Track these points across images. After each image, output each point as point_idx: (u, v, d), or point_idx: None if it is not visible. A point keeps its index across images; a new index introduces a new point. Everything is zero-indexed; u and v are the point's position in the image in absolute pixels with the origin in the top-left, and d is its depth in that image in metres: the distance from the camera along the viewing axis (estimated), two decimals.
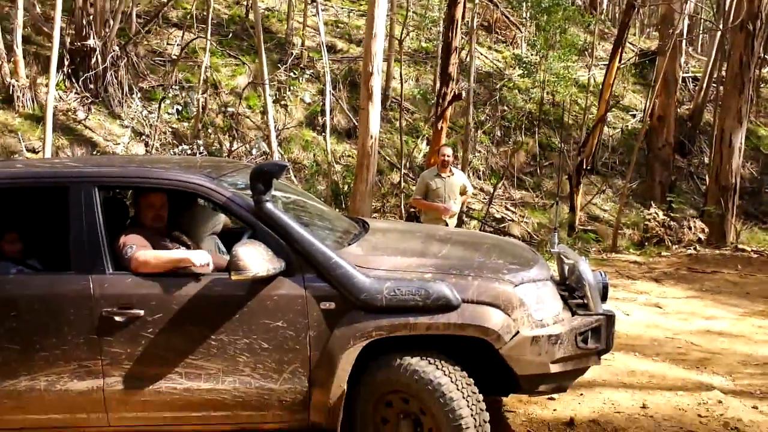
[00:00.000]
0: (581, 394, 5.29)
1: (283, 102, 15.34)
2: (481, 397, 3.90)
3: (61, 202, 3.98)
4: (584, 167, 14.64)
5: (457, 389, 3.79)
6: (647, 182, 15.69)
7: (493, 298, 3.84)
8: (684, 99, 19.79)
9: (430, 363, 3.83)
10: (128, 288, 3.79)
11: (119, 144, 12.82)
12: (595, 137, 15.11)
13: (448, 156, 8.43)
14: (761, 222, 16.20)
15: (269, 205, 3.84)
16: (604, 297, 4.53)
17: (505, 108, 17.91)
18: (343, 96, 16.38)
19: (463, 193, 8.60)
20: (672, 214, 13.33)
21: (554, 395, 5.12)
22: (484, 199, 15.12)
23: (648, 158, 15.96)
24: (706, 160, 16.86)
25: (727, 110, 13.64)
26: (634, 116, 19.07)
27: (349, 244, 4.26)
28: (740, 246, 12.91)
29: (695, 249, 12.47)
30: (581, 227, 14.28)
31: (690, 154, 18.15)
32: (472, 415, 3.79)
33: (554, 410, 5.07)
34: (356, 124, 14.29)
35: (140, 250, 3.88)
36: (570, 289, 4.63)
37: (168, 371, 3.82)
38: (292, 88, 15.73)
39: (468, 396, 3.81)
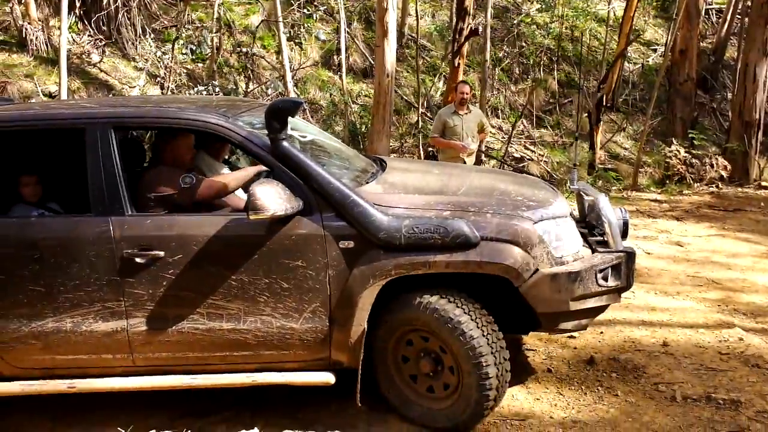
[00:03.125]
0: (601, 332, 5.29)
1: (297, 41, 15.10)
2: (501, 335, 3.92)
3: (79, 145, 3.96)
4: (604, 104, 14.39)
5: (477, 327, 3.80)
6: (668, 119, 15.38)
7: (512, 235, 3.82)
8: (707, 32, 19.26)
9: (450, 301, 3.84)
10: (148, 229, 3.81)
11: (135, 87, 12.72)
12: (615, 73, 14.79)
13: (465, 93, 8.31)
14: None
15: (285, 144, 3.81)
16: (624, 234, 4.51)
17: (524, 44, 17.54)
18: (358, 34, 16.10)
19: (481, 130, 8.51)
20: (694, 152, 13.11)
21: (574, 333, 5.13)
22: (503, 138, 14.95)
23: (669, 94, 15.63)
24: (729, 95, 16.47)
25: (751, 42, 13.27)
26: (655, 51, 18.61)
27: (367, 183, 4.23)
28: (764, 183, 12.73)
29: (717, 187, 12.32)
30: (601, 166, 14.10)
31: (713, 90, 17.74)
32: (492, 352, 3.81)
33: (574, 348, 5.08)
34: (372, 62, 14.08)
35: (203, 179, 4.03)
36: (590, 226, 4.61)
37: (190, 312, 3.85)
38: (306, 26, 15.46)
39: (488, 334, 3.82)
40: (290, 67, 13.82)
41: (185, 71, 13.63)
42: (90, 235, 3.79)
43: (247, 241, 3.79)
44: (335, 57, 15.31)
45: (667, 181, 12.71)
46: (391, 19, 9.87)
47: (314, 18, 15.77)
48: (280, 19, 13.41)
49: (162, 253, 3.77)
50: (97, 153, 3.86)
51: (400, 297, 3.94)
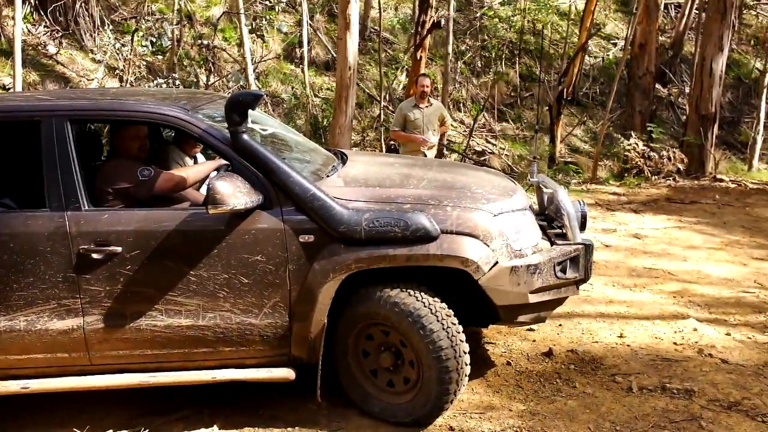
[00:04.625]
0: (560, 325, 5.35)
1: (259, 33, 15.00)
2: (460, 328, 3.93)
3: (33, 138, 3.88)
4: (565, 98, 14.56)
5: (437, 321, 3.81)
6: (628, 112, 15.60)
7: (471, 228, 3.83)
8: (666, 27, 19.58)
9: (410, 295, 3.85)
10: (105, 224, 3.74)
11: (93, 79, 12.52)
12: (575, 66, 14.96)
13: (426, 86, 8.32)
14: (740, 152, 16.27)
15: (245, 137, 3.77)
16: (582, 226, 4.54)
17: (486, 37, 17.65)
18: (321, 27, 16.05)
19: (442, 123, 8.52)
20: (652, 145, 13.31)
21: (533, 326, 5.19)
22: (465, 131, 15.02)
23: (629, 88, 15.84)
24: (687, 89, 16.77)
25: (708, 37, 13.49)
26: (615, 45, 18.88)
27: (328, 176, 4.22)
28: (718, 176, 12.97)
29: (674, 179, 12.52)
30: (561, 159, 14.28)
31: (671, 84, 18.06)
32: (452, 346, 3.82)
33: (533, 341, 5.13)
34: (335, 55, 14.03)
35: (161, 172, 3.96)
36: (549, 218, 4.65)
37: (148, 308, 3.80)
38: (268, 18, 15.36)
39: (448, 327, 3.83)
40: (252, 60, 13.72)
41: (145, 63, 13.46)
42: (45, 231, 3.71)
43: (206, 236, 3.75)
44: (297, 50, 15.25)
45: (626, 174, 12.89)
46: (354, 11, 9.83)
47: (276, 10, 15.67)
48: (242, 11, 13.30)
49: (119, 249, 3.71)
50: (52, 146, 3.77)
51: (361, 291, 3.93)
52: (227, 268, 3.76)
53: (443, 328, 3.81)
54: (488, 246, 3.84)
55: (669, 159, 12.71)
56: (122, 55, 12.99)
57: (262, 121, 4.79)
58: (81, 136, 4.17)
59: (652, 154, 12.79)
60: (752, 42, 19.97)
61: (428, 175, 4.53)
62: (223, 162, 4.13)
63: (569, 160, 14.60)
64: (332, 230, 3.74)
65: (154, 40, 13.83)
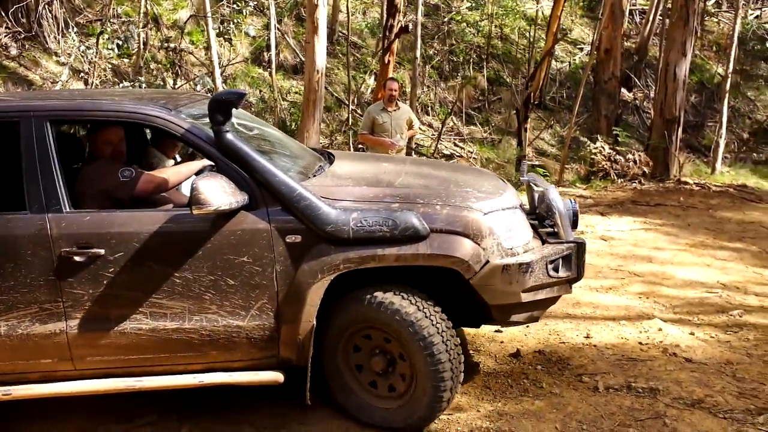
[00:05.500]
0: (527, 326, 5.38)
1: (227, 37, 14.92)
2: (454, 331, 3.89)
3: (12, 139, 3.80)
4: (532, 101, 14.67)
5: (432, 324, 3.76)
6: (594, 116, 15.79)
7: (462, 226, 3.78)
8: (631, 32, 19.84)
9: (403, 298, 3.80)
10: (87, 226, 3.66)
11: (57, 82, 12.34)
12: (542, 71, 15.10)
13: (394, 90, 8.34)
14: (703, 155, 16.53)
15: (229, 136, 3.71)
16: (574, 225, 4.52)
17: (454, 42, 17.74)
18: (289, 30, 16.01)
19: (410, 127, 8.54)
20: (618, 148, 13.48)
21: (501, 328, 5.21)
22: (433, 135, 15.07)
23: (594, 92, 16.04)
24: (652, 93, 17.00)
25: (672, 42, 13.70)
26: (581, 50, 19.08)
27: (314, 176, 4.16)
28: (683, 179, 13.16)
29: (640, 182, 12.67)
30: (529, 162, 14.37)
31: (636, 88, 18.30)
32: (447, 350, 3.77)
33: (501, 342, 5.15)
34: (303, 59, 14.00)
35: (142, 173, 3.89)
36: (540, 217, 4.61)
37: (132, 312, 3.72)
38: (236, 21, 15.28)
39: (442, 331, 3.79)
40: (219, 64, 13.63)
41: (110, 67, 13.31)
42: (26, 234, 3.62)
43: (191, 237, 3.68)
44: (265, 53, 15.19)
45: (592, 177, 13.04)
46: (322, 15, 9.83)
47: (244, 13, 15.61)
48: (209, 14, 13.21)
49: (102, 251, 3.63)
50: (32, 147, 3.69)
51: (350, 293, 3.88)
52: (213, 270, 3.70)
53: (438, 332, 3.77)
54: (479, 245, 3.80)
55: (635, 162, 12.87)
56: (87, 58, 12.83)
57: (246, 121, 4.73)
58: (61, 138, 4.08)
59: (618, 157, 12.95)
60: (714, 48, 20.31)
61: (417, 174, 4.51)
62: (207, 163, 4.06)
63: (536, 163, 14.71)
64: (320, 230, 3.68)
65: (120, 43, 13.69)
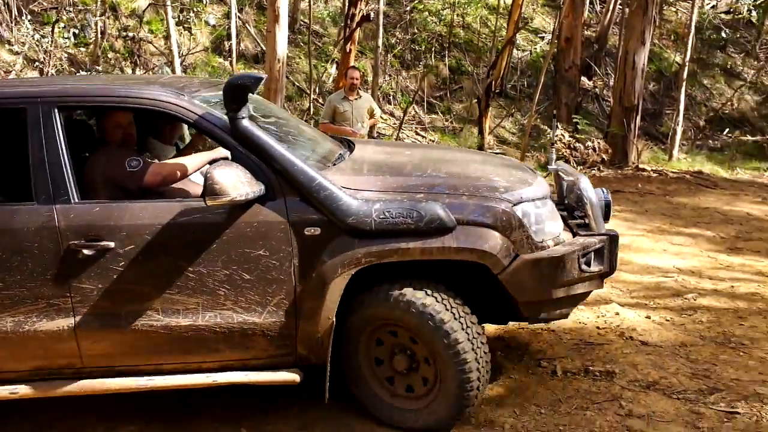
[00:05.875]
0: None
1: (186, 26, 14.73)
2: (481, 329, 3.76)
3: (19, 126, 3.64)
4: (493, 90, 14.75)
5: (459, 323, 3.62)
6: (554, 104, 15.92)
7: (490, 218, 3.59)
8: (591, 21, 20.02)
9: (427, 294, 3.63)
10: (96, 218, 3.49)
11: (11, 71, 12.09)
12: (503, 59, 15.19)
13: (355, 78, 8.33)
14: (661, 142, 16.78)
15: (245, 123, 3.53)
16: (606, 216, 4.36)
17: (416, 31, 17.74)
18: (249, 19, 15.85)
19: (371, 116, 8.54)
20: (578, 136, 13.62)
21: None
22: (395, 123, 15.08)
23: (555, 80, 16.17)
24: (611, 82, 17.19)
25: (631, 31, 13.88)
26: (542, 38, 19.19)
27: (335, 164, 3.97)
28: (641, 166, 13.37)
29: (599, 169, 12.85)
30: (490, 150, 14.46)
31: (596, 76, 18.49)
32: (473, 349, 3.64)
33: None
34: (264, 48, 13.90)
35: (151, 163, 3.74)
36: (569, 208, 4.42)
37: (143, 307, 3.56)
38: (195, 10, 15.10)
39: (467, 328, 3.64)
40: (179, 53, 13.48)
41: (66, 56, 13.06)
42: (32, 225, 3.46)
43: (205, 230, 3.50)
44: (226, 42, 15.03)
45: None
46: (283, 4, 9.75)
47: (204, 2, 15.43)
48: (168, 2, 13.04)
49: (112, 244, 3.46)
50: (39, 135, 3.52)
51: (373, 288, 3.70)
52: (228, 264, 3.53)
53: (463, 329, 3.62)
54: (508, 238, 3.61)
55: (594, 149, 13.03)
56: (42, 47, 12.57)
57: (262, 107, 4.53)
58: (70, 124, 3.92)
59: (577, 144, 13.08)
60: (672, 37, 20.59)
61: (442, 161, 4.33)
62: (221, 153, 3.89)
63: (498, 151, 14.79)
64: (340, 222, 3.50)
65: (76, 32, 13.43)
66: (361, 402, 3.95)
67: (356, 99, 8.29)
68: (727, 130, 17.59)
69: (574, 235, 4.07)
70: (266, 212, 3.51)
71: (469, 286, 3.92)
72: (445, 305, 3.62)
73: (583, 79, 17.39)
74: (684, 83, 15.72)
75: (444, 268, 3.82)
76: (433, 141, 15.19)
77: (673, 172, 12.73)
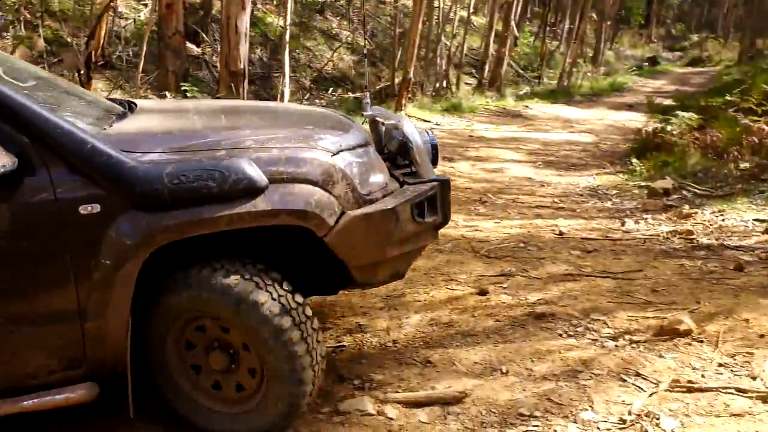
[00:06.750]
0: None
1: None
2: (309, 311, 3.23)
3: None
4: (95, 61, 13.96)
5: (278, 303, 3.07)
6: (161, 72, 15.58)
7: (307, 172, 3.11)
8: None
9: (240, 273, 3.06)
10: None
11: None
12: (102, 28, 14.43)
13: None
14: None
15: None
16: (434, 160, 4.06)
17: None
18: None
19: None
20: None
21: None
22: None
23: (160, 48, 15.80)
24: (219, 47, 17.29)
25: None
26: (146, 5, 18.59)
27: (111, 126, 3.27)
28: None
29: None
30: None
31: (204, 43, 18.46)
32: (301, 333, 3.12)
33: None
34: None
35: None
36: (390, 156, 4.05)
37: None
38: None
39: (292, 309, 3.11)
40: None
41: None
42: None
43: None
44: None
45: None
46: None
47: None
48: None
49: None
50: None
51: (175, 273, 3.09)
52: None
53: (287, 312, 3.07)
54: (331, 193, 3.15)
55: None
56: None
57: (14, 68, 3.53)
58: None
59: None
60: (275, 2, 21.34)
61: (240, 114, 3.78)
62: None
63: None
64: (124, 192, 2.85)
65: None
66: (179, 414, 3.38)
67: None
68: (331, 88, 18.81)
69: (401, 184, 3.72)
70: (25, 192, 2.78)
71: (284, 254, 3.47)
72: (258, 284, 3.08)
73: (191, 45, 17.25)
74: (287, 46, 16.39)
75: (258, 236, 3.31)
76: None
77: None
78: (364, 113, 4.34)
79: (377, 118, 4.24)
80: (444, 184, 3.76)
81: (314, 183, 3.12)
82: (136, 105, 3.96)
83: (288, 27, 16.26)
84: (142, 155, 2.95)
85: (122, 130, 3.28)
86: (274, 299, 3.06)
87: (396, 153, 4.03)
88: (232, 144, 3.11)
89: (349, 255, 3.27)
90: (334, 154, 3.27)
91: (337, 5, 22.30)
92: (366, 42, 21.55)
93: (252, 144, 3.14)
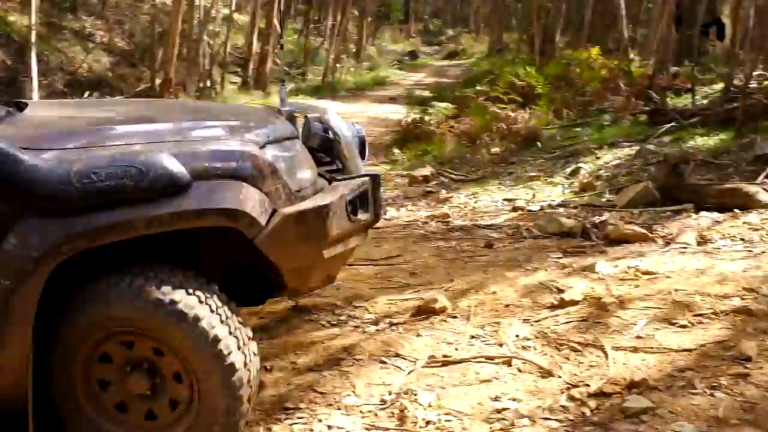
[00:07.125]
0: None
1: None
2: (242, 323, 2.86)
3: None
4: None
5: (213, 314, 2.68)
6: None
7: (235, 166, 2.79)
8: None
9: (166, 282, 2.64)
10: None
11: None
12: None
13: None
14: None
15: None
16: (362, 154, 3.81)
17: None
18: None
19: None
20: None
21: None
22: None
23: None
24: None
25: None
26: None
27: (2, 121, 2.83)
28: None
29: None
30: None
31: None
32: (239, 347, 2.74)
33: None
34: None
35: None
36: (314, 151, 3.66)
37: None
38: None
39: (226, 319, 2.72)
40: None
41: None
42: None
43: None
44: None
45: None
46: None
47: None
48: None
49: None
50: None
51: (86, 286, 2.63)
52: None
53: (222, 322, 2.69)
54: (260, 189, 2.84)
55: None
56: None
57: None
58: None
59: None
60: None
61: (157, 106, 3.51)
62: None
63: None
64: (24, 196, 2.44)
65: None
66: None
67: None
68: (88, 92, 17.77)
69: (330, 180, 3.48)
70: None
71: (205, 259, 3.13)
72: (188, 291, 2.68)
73: None
74: (34, 48, 15.26)
75: (174, 239, 2.91)
76: None
77: None
78: (282, 108, 3.91)
79: (295, 114, 3.88)
80: (374, 178, 3.62)
81: (243, 178, 2.84)
82: (26, 103, 3.46)
83: (34, 27, 15.15)
84: (43, 152, 2.56)
85: (14, 125, 2.88)
86: (212, 311, 2.73)
87: (319, 148, 3.78)
88: (149, 137, 2.80)
89: (281, 257, 3.00)
90: (262, 146, 3.03)
91: (91, 4, 21.11)
92: (124, 42, 20.62)
93: (171, 138, 2.84)
